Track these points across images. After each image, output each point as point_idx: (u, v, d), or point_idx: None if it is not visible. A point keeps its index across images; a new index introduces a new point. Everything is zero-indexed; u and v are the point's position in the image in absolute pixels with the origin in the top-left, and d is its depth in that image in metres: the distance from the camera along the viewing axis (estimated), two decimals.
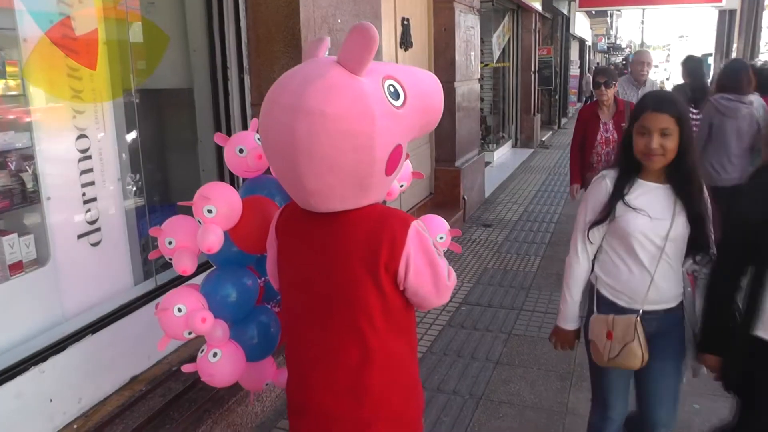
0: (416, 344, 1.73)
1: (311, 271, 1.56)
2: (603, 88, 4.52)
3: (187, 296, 1.90)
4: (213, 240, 1.77)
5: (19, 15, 2.30)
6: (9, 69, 2.36)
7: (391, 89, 1.47)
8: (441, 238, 2.05)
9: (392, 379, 1.58)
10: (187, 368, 1.99)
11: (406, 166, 2.06)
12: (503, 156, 11.58)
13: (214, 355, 1.93)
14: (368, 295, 1.50)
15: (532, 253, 5.77)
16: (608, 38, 38.04)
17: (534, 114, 13.41)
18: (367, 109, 1.39)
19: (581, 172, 4.73)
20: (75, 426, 2.34)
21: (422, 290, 1.55)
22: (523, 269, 5.33)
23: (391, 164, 1.49)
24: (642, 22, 41.84)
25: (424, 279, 1.53)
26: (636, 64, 5.63)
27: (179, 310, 1.85)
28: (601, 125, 4.58)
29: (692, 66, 5.36)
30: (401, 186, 2.13)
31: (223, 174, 3.29)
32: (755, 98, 4.33)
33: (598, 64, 29.30)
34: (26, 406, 2.18)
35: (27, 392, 2.19)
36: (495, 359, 3.70)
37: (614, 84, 4.57)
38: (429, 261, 1.53)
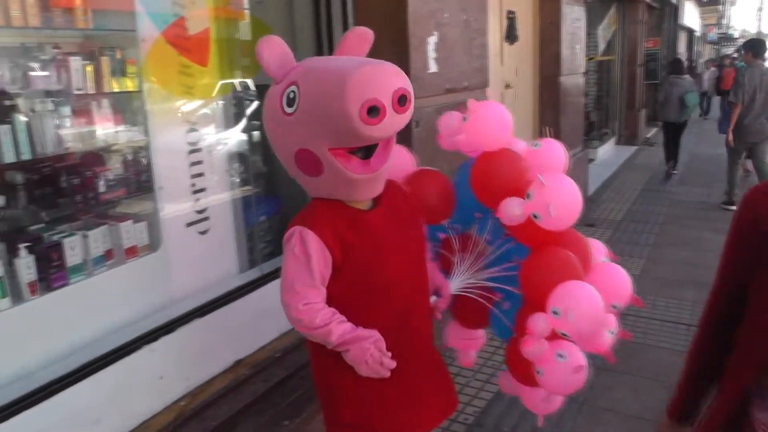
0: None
1: None
2: None
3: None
4: None
5: (139, 17, 2.44)
6: (129, 68, 2.52)
7: (290, 95, 1.47)
8: (614, 307, 1.82)
9: None
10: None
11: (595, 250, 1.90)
12: (606, 153, 11.10)
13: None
14: None
15: (636, 255, 5.49)
16: (719, 28, 35.52)
17: (638, 109, 12.78)
18: (265, 113, 1.58)
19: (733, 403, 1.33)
20: (182, 403, 2.45)
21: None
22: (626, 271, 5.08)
23: (304, 166, 1.51)
24: (759, 9, 38.82)
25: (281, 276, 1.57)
26: None
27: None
28: None
29: None
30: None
31: None
32: None
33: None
34: (139, 381, 2.31)
35: (140, 369, 2.32)
36: (597, 364, 3.53)
37: None
38: (284, 264, 1.55)
